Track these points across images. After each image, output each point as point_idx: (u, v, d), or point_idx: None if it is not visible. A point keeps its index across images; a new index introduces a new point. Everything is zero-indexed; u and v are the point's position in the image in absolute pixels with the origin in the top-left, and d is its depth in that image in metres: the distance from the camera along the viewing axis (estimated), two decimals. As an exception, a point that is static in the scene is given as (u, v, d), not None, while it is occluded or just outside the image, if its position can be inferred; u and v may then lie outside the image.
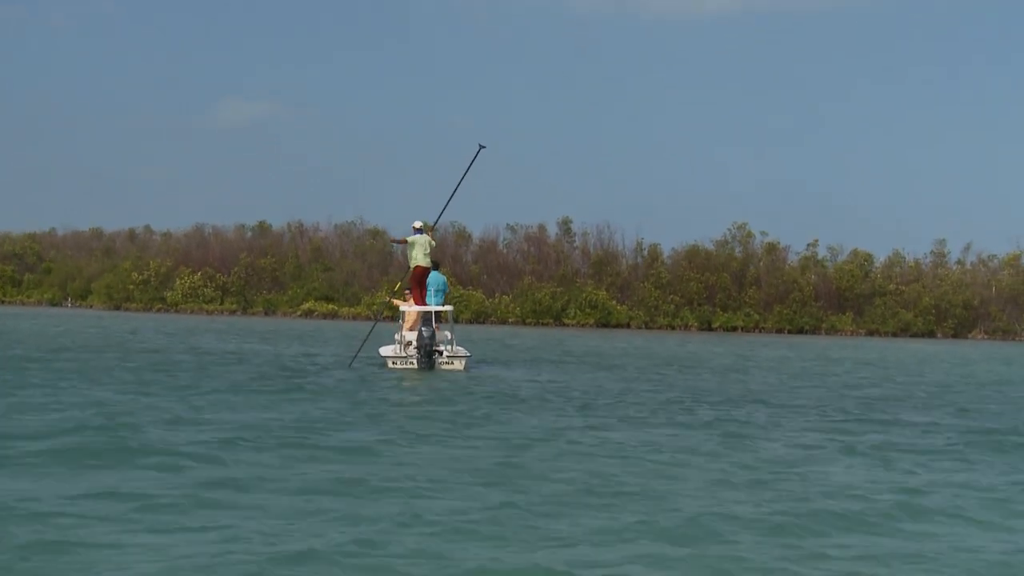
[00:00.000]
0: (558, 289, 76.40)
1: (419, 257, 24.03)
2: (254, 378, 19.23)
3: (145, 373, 19.37)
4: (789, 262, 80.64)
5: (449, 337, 23.76)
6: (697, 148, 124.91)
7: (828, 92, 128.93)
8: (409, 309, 23.93)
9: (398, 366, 22.99)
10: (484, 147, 24.37)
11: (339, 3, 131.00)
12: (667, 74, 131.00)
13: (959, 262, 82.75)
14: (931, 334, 75.62)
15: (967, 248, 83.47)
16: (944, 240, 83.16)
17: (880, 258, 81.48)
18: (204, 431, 11.80)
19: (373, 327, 25.85)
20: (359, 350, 24.49)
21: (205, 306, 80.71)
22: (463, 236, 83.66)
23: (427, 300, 23.87)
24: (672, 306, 76.22)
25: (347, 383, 19.05)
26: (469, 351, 24.79)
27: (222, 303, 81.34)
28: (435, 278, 24.21)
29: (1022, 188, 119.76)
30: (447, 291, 24.82)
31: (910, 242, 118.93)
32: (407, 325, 23.81)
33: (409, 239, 24.28)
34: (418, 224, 24.48)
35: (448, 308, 24.22)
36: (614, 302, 76.39)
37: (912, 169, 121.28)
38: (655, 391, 19.72)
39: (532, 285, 76.87)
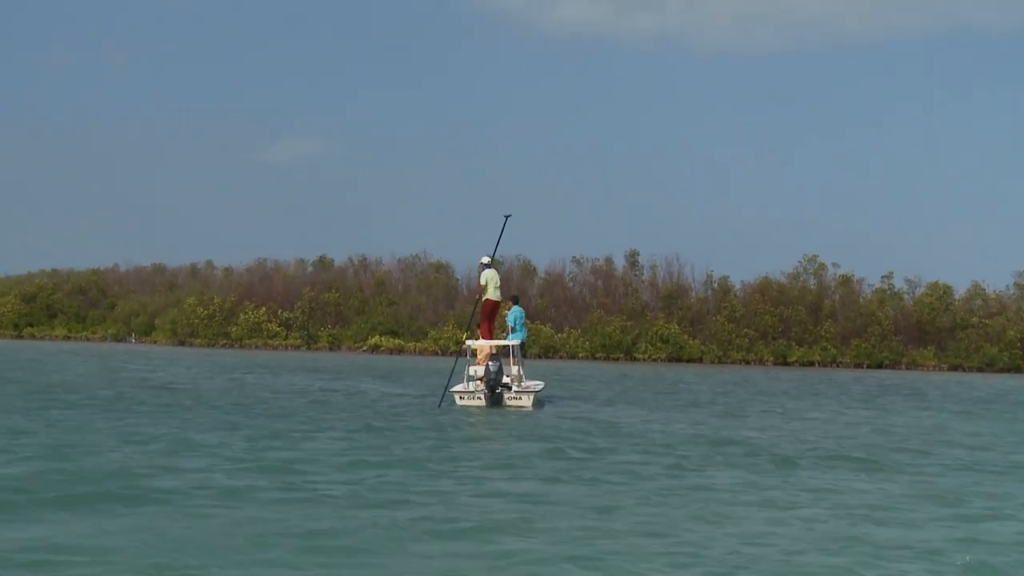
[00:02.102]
0: (628, 323, 77.10)
1: (490, 291, 25.13)
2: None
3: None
4: (864, 295, 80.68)
5: (517, 373, 24.40)
6: (761, 180, 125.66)
7: (892, 120, 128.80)
8: (480, 344, 24.83)
9: (466, 402, 23.53)
10: (510, 216, 25.47)
11: (384, 41, 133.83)
12: (724, 106, 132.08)
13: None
14: (1017, 369, 75.08)
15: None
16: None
17: (959, 290, 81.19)
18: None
19: (455, 364, 25.74)
20: (445, 390, 24.45)
21: (269, 341, 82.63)
22: (528, 270, 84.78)
23: (510, 335, 24.92)
24: (746, 340, 76.55)
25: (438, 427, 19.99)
26: (541, 384, 25.67)
27: (286, 338, 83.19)
28: (518, 312, 25.32)
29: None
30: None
31: (987, 274, 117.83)
32: (480, 360, 24.74)
33: (482, 275, 25.42)
34: (486, 259, 25.57)
35: (516, 342, 25.00)
36: (686, 336, 76.90)
37: (984, 200, 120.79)
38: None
39: (601, 319, 77.62)
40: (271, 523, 9.31)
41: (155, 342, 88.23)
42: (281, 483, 11.48)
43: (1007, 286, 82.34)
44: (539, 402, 24.48)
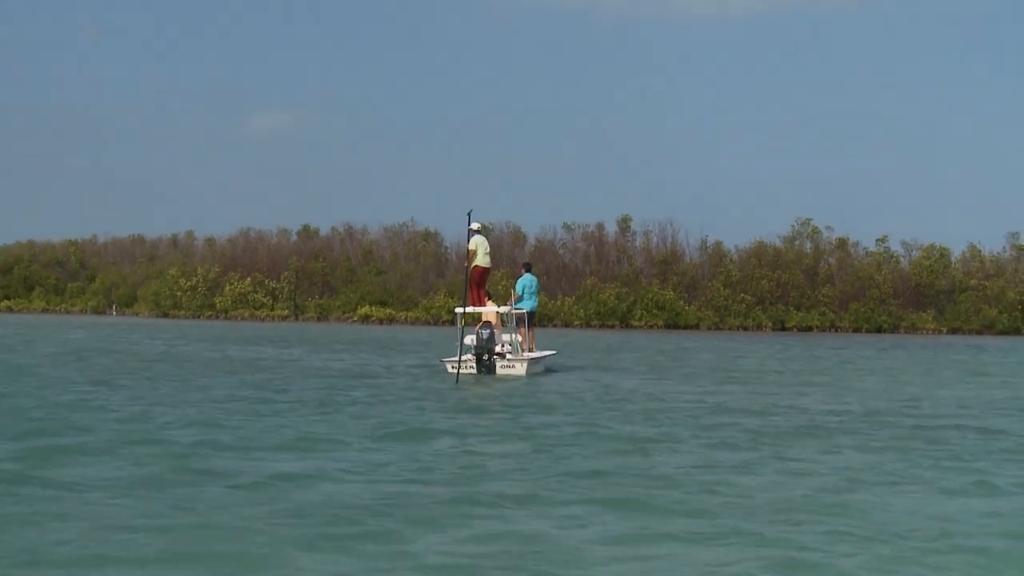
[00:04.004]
0: (623, 290, 78.06)
1: (479, 257, 25.85)
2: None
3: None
4: (859, 258, 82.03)
5: (511, 339, 24.80)
6: (752, 143, 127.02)
7: (882, 81, 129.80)
8: (485, 311, 25.31)
9: (456, 370, 22.98)
10: (471, 211, 26.02)
11: (361, 11, 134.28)
12: (713, 69, 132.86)
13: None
14: (1017, 331, 76.47)
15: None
16: (1018, 233, 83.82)
17: (956, 253, 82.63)
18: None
19: (462, 333, 24.43)
20: (459, 362, 23.50)
21: (256, 312, 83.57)
22: (518, 236, 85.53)
23: (516, 303, 25.83)
24: (743, 306, 77.66)
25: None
26: (550, 352, 26.60)
27: (272, 309, 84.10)
28: (527, 280, 26.36)
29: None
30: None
31: (982, 236, 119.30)
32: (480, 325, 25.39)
33: (471, 241, 26.26)
34: (475, 226, 26.27)
35: (504, 310, 25.56)
36: (681, 302, 77.98)
37: (976, 161, 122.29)
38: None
39: (595, 286, 78.54)
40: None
41: (137, 314, 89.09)
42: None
43: (1002, 248, 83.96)
44: (544, 370, 25.21)
